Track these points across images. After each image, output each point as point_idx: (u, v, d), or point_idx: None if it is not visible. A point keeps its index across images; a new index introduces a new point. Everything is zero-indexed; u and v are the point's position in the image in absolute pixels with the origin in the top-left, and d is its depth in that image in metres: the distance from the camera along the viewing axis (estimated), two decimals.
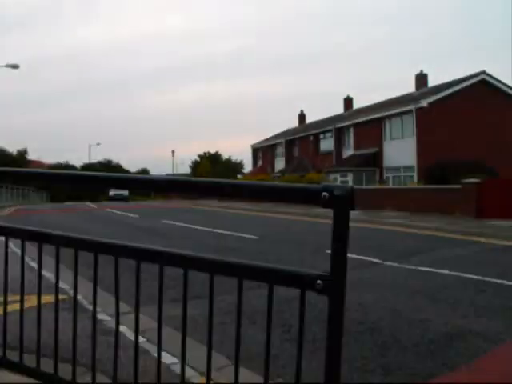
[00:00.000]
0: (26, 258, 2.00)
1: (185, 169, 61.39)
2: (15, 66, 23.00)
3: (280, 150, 39.10)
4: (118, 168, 53.52)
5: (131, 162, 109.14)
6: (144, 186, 2.35)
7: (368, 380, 2.75)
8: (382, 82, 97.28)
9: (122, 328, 2.13)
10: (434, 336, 3.49)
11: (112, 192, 38.28)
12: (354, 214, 1.22)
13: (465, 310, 4.21)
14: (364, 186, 23.61)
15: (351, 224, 1.22)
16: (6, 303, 1.99)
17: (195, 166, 57.99)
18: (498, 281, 5.36)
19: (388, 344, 3.32)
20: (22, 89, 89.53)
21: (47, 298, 2.10)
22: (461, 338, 3.44)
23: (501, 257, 7.70)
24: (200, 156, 60.83)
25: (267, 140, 41.88)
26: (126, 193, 38.10)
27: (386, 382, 2.74)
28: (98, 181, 2.02)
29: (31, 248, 2.04)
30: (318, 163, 32.19)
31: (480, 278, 5.53)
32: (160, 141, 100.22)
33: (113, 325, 2.45)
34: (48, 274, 2.94)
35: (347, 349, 2.93)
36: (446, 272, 5.93)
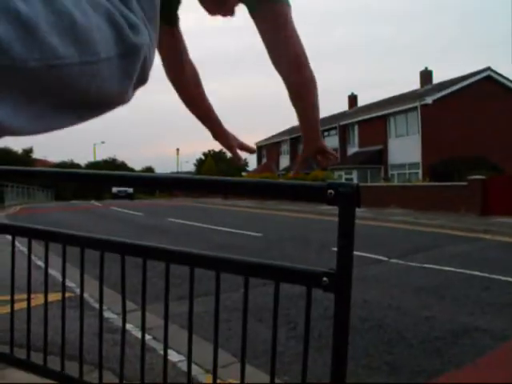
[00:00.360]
0: (33, 257, 2.01)
1: (189, 167, 61.58)
2: None
3: (285, 147, 39.05)
4: (122, 166, 53.57)
5: (135, 161, 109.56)
6: (149, 184, 2.35)
7: (374, 377, 2.75)
8: (386, 79, 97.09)
9: (128, 326, 2.14)
10: (439, 333, 3.49)
11: (115, 189, 36.33)
12: (358, 211, 1.22)
13: (470, 307, 4.20)
14: (369, 184, 23.55)
15: (356, 221, 1.22)
16: (13, 301, 2.00)
17: (200, 164, 58.07)
18: (503, 278, 5.35)
19: (394, 341, 3.32)
20: None
21: (54, 296, 2.11)
22: (467, 335, 3.44)
23: (506, 253, 7.68)
24: (204, 154, 60.92)
25: (272, 137, 41.86)
26: (129, 190, 36.55)
27: (392, 379, 2.74)
28: (104, 179, 2.02)
29: (37, 247, 2.05)
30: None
31: (485, 274, 5.52)
32: (164, 139, 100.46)
33: (119, 323, 2.46)
34: (54, 273, 2.96)
35: (353, 346, 2.94)
36: (452, 269, 5.92)
